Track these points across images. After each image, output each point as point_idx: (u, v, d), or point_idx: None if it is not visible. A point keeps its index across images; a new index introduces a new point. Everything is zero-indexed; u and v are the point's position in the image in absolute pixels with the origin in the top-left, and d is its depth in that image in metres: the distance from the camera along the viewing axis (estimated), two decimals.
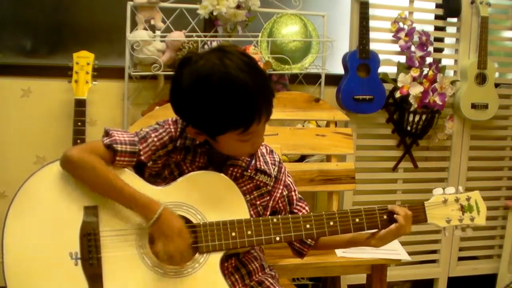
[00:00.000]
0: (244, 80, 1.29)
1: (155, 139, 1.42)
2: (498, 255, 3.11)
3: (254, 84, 1.30)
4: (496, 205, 3.07)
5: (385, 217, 1.53)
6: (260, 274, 1.57)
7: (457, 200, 1.56)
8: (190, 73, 1.32)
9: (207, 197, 1.42)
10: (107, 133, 1.43)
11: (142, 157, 1.40)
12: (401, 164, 2.91)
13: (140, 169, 1.44)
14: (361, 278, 2.35)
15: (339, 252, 2.13)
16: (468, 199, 1.57)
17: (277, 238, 1.45)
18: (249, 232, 1.42)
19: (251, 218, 1.44)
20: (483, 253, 3.13)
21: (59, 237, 1.35)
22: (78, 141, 2.22)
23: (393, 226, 1.51)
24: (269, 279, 1.56)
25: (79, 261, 1.35)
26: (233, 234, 1.41)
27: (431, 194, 2.96)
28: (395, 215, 1.52)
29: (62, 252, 1.34)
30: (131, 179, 1.40)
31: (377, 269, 2.14)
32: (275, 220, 1.46)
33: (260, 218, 1.46)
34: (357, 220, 1.50)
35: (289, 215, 1.51)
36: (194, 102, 1.32)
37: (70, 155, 1.36)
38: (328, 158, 2.49)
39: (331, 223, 1.49)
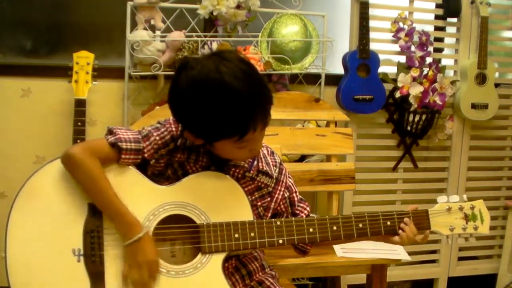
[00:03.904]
0: (239, 88, 1.28)
1: (157, 137, 1.41)
2: (498, 255, 3.11)
3: (250, 92, 1.29)
4: (496, 205, 3.07)
5: (388, 223, 1.52)
6: (260, 274, 1.57)
7: (461, 208, 1.56)
8: (186, 79, 1.31)
9: (211, 198, 1.43)
10: (110, 132, 1.42)
11: (146, 155, 1.40)
12: (401, 164, 2.91)
13: (142, 168, 1.43)
14: (361, 278, 2.35)
15: (339, 252, 2.13)
16: (472, 208, 1.57)
17: (280, 241, 1.45)
18: (252, 234, 1.42)
19: (255, 220, 1.44)
20: (483, 253, 3.13)
21: (62, 234, 1.35)
22: (78, 141, 2.22)
23: (396, 238, 1.53)
24: (269, 279, 1.56)
25: (82, 258, 1.34)
26: (236, 235, 1.41)
27: (431, 194, 2.99)
28: (400, 231, 1.52)
29: (65, 249, 1.34)
30: (136, 178, 1.40)
31: (377, 269, 2.14)
32: (278, 223, 1.46)
33: (264, 220, 1.46)
34: (360, 225, 1.50)
35: (293, 218, 1.51)
36: (190, 109, 1.32)
37: (71, 153, 1.35)
38: (328, 158, 2.49)
39: (334, 227, 1.49)
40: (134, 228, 1.34)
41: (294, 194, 1.62)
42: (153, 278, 1.35)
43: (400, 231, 1.52)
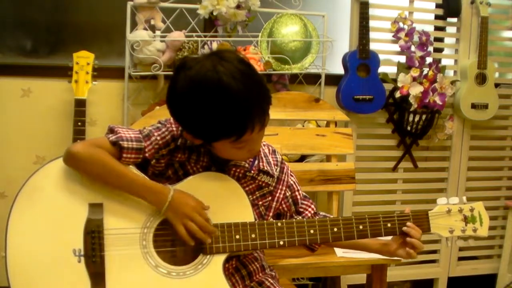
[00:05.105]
0: (237, 88, 1.27)
1: (158, 137, 1.41)
2: (498, 255, 3.11)
3: (247, 93, 1.28)
4: (496, 205, 3.08)
5: (389, 225, 1.52)
6: (260, 274, 1.57)
7: (460, 210, 1.56)
8: (184, 79, 1.31)
9: (212, 199, 1.42)
10: (111, 130, 1.42)
11: (147, 154, 1.40)
12: (401, 164, 2.91)
13: (143, 168, 1.43)
14: (361, 278, 2.35)
15: (339, 252, 2.13)
16: (471, 210, 1.56)
17: (281, 243, 1.45)
18: (253, 236, 1.42)
19: (256, 222, 1.44)
20: (483, 253, 3.13)
21: (63, 234, 1.35)
22: (78, 141, 2.21)
23: (404, 253, 1.54)
24: (269, 279, 1.56)
25: (83, 258, 1.34)
26: (237, 236, 1.41)
27: (431, 194, 2.98)
28: (409, 247, 1.52)
29: (65, 249, 1.34)
30: None
31: (377, 269, 2.14)
32: (279, 224, 1.46)
33: (265, 221, 1.46)
34: (361, 227, 1.50)
35: (294, 220, 1.51)
36: (188, 109, 1.31)
37: (75, 151, 1.35)
38: (328, 158, 2.49)
39: (335, 229, 1.49)
40: (163, 192, 1.36)
41: (297, 193, 1.62)
42: (206, 219, 1.38)
43: (408, 249, 1.52)
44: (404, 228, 1.52)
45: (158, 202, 1.37)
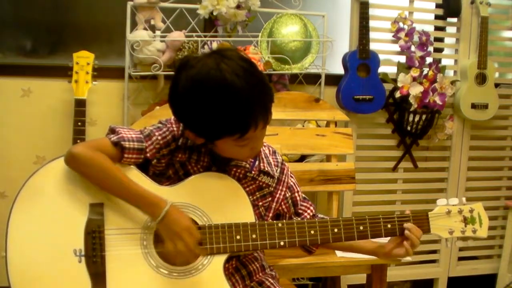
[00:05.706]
0: (240, 86, 1.28)
1: (159, 137, 1.41)
2: (498, 255, 3.11)
3: (251, 90, 1.29)
4: (496, 205, 3.08)
5: (389, 226, 1.52)
6: (260, 274, 1.57)
7: (460, 211, 1.56)
8: (186, 77, 1.31)
9: (213, 199, 1.43)
10: (113, 131, 1.42)
11: (148, 154, 1.40)
12: (401, 164, 2.91)
13: (143, 168, 1.43)
14: (361, 278, 2.35)
15: (339, 252, 2.13)
16: (471, 211, 1.56)
17: (282, 243, 1.45)
18: (253, 236, 1.42)
19: (256, 222, 1.44)
20: (483, 253, 3.13)
21: (63, 234, 1.35)
22: (78, 141, 2.22)
23: (402, 251, 1.52)
24: (269, 279, 1.56)
25: (83, 258, 1.34)
26: (238, 237, 1.41)
27: (431, 194, 2.98)
28: (405, 241, 1.51)
29: (66, 249, 1.34)
30: (137, 178, 1.40)
31: (377, 269, 2.15)
32: (280, 224, 1.46)
33: (265, 222, 1.46)
34: (361, 228, 1.50)
35: (294, 220, 1.51)
36: (190, 107, 1.31)
37: (76, 153, 1.35)
38: (328, 158, 2.49)
39: (336, 230, 1.49)
40: (159, 205, 1.35)
41: (297, 194, 1.62)
42: (197, 242, 1.36)
43: (405, 243, 1.51)
44: (405, 226, 1.51)
45: (152, 214, 1.36)
